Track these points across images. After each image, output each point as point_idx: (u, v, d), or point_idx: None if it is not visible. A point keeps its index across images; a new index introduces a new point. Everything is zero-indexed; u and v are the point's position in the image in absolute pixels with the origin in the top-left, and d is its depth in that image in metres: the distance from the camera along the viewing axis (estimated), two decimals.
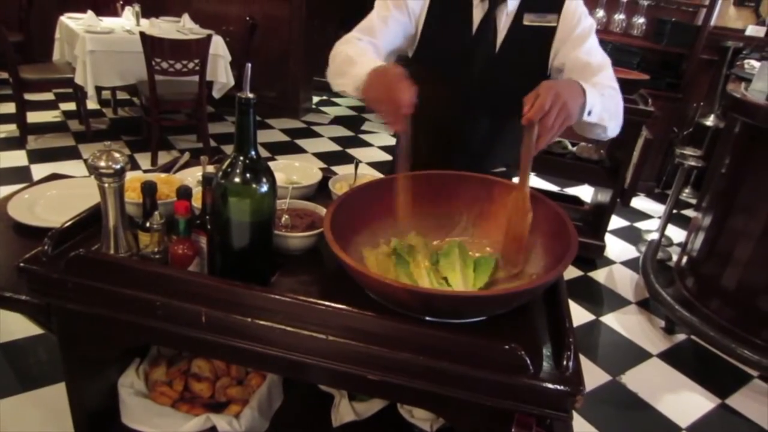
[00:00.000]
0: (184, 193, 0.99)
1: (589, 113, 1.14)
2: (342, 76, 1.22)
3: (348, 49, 1.26)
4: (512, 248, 1.08)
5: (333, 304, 0.90)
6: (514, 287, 0.93)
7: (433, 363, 0.86)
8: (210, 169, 1.35)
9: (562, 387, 0.85)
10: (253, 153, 0.93)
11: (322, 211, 1.18)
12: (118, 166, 0.94)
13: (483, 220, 1.18)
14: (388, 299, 0.94)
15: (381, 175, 1.42)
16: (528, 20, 1.32)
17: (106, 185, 0.95)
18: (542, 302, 1.07)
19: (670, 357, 2.42)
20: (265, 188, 0.94)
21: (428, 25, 1.35)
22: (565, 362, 0.88)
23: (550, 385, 0.85)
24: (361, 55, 1.22)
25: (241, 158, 0.92)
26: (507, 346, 0.84)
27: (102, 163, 0.93)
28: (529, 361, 0.85)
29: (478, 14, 1.34)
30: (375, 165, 4.13)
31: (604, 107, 1.18)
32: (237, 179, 0.92)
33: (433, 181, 1.20)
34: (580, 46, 1.30)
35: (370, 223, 1.14)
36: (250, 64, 0.92)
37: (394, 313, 0.92)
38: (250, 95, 0.89)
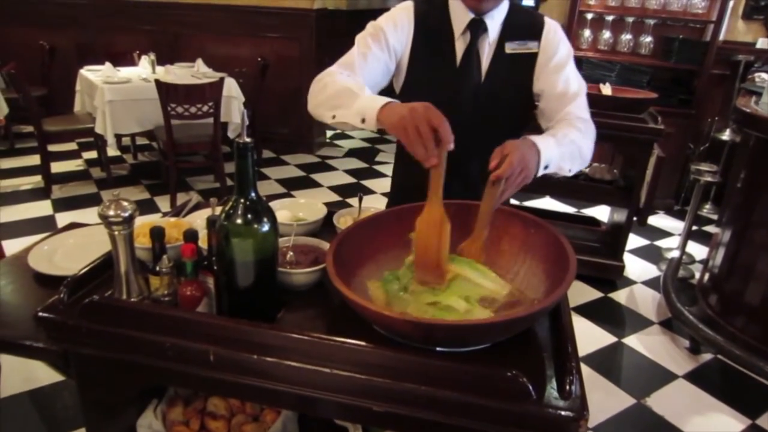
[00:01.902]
0: (191, 236, 1.03)
1: (546, 167, 1.21)
2: (339, 107, 1.22)
3: (338, 80, 1.27)
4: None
5: (335, 338, 0.91)
6: (514, 313, 0.94)
7: (436, 392, 0.87)
8: (218, 210, 1.40)
9: (565, 413, 0.84)
10: (253, 194, 0.96)
11: (326, 246, 1.21)
12: (126, 214, 0.99)
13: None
14: (391, 331, 0.95)
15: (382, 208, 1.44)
16: (510, 48, 1.37)
17: (116, 233, 0.99)
18: (545, 326, 1.07)
19: (696, 378, 2.37)
20: (266, 227, 0.97)
21: (413, 61, 1.39)
22: (568, 387, 0.88)
23: (553, 411, 0.85)
24: (360, 88, 1.23)
25: (242, 200, 0.96)
26: (509, 374, 0.85)
27: (111, 212, 0.98)
28: (531, 388, 0.85)
29: (460, 46, 1.38)
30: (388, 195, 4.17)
31: (562, 157, 1.24)
32: (239, 220, 0.95)
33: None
34: (558, 73, 1.36)
35: (374, 255, 1.17)
36: (245, 111, 0.96)
37: (397, 343, 0.94)
38: (248, 140, 0.94)
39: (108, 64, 4.12)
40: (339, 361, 0.91)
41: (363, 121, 1.15)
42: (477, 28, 1.35)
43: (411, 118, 1.02)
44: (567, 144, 1.26)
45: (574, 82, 1.38)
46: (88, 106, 4.07)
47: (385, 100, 1.14)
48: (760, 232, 2.35)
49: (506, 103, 1.41)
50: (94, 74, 4.02)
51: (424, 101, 1.42)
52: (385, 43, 1.36)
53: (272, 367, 0.93)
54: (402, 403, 0.90)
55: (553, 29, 1.38)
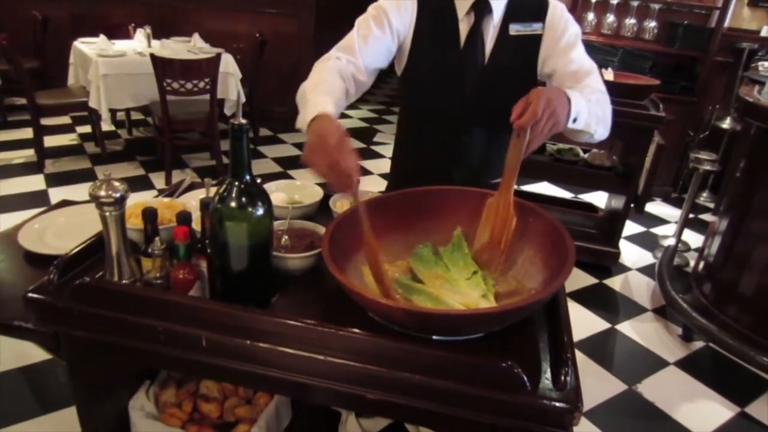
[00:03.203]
0: (184, 219, 1.01)
1: (575, 120, 1.16)
2: (301, 107, 1.15)
3: (314, 74, 1.23)
4: (490, 254, 1.08)
5: (329, 325, 0.90)
6: (509, 304, 0.93)
7: (431, 382, 0.87)
8: (213, 190, 1.38)
9: (560, 404, 0.84)
10: (247, 177, 0.94)
11: (322, 230, 1.19)
12: (117, 195, 0.97)
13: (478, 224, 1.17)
14: (386, 318, 0.94)
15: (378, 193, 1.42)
16: (514, 30, 1.34)
17: (107, 214, 0.97)
18: (542, 315, 1.07)
19: (687, 365, 2.38)
20: (260, 211, 0.95)
21: (416, 43, 1.36)
22: (563, 378, 0.87)
23: (548, 403, 0.84)
24: (314, 89, 1.17)
25: (236, 183, 0.93)
26: (504, 364, 0.84)
27: (102, 192, 0.96)
28: (526, 379, 0.84)
29: (464, 27, 1.35)
30: (387, 176, 4.15)
31: (590, 113, 1.20)
32: (233, 204, 0.93)
33: (432, 197, 1.21)
34: (569, 53, 1.33)
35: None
36: (241, 90, 0.93)
37: (392, 331, 0.93)
38: (243, 121, 0.91)
39: (102, 37, 4.04)
40: (333, 348, 0.90)
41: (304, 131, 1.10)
42: (482, 9, 1.32)
43: (313, 152, 1.00)
44: (594, 104, 1.22)
45: (585, 61, 1.34)
46: (82, 80, 4.00)
47: (314, 113, 1.07)
48: (757, 222, 2.34)
49: (510, 86, 1.38)
50: (88, 47, 3.94)
51: (427, 84, 1.40)
52: (388, 25, 1.33)
53: (265, 352, 0.92)
54: (396, 392, 0.89)
55: (558, 10, 1.35)
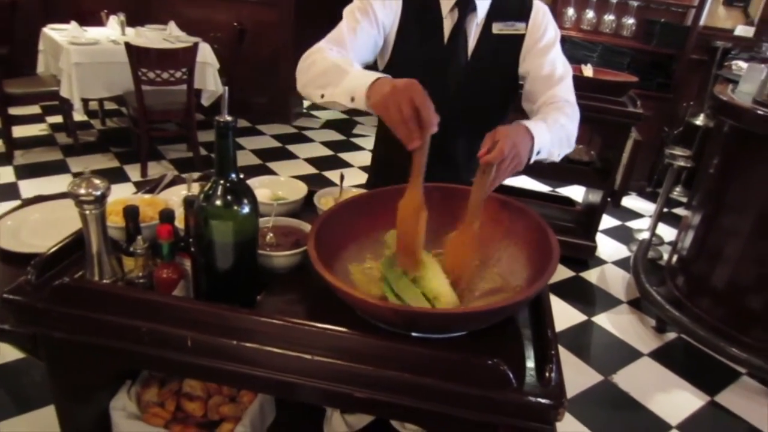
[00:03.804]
0: (167, 217, 0.99)
1: (538, 153, 1.19)
2: (328, 85, 1.16)
3: (328, 57, 1.21)
4: (460, 285, 1.06)
5: (316, 324, 0.90)
6: (495, 303, 0.94)
7: (418, 380, 0.87)
8: (195, 186, 1.36)
9: (544, 400, 0.85)
10: (233, 175, 0.93)
11: (307, 227, 1.18)
12: (98, 193, 0.94)
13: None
14: (372, 316, 0.94)
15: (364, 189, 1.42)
16: (497, 29, 1.35)
17: (87, 212, 0.95)
18: (527, 312, 1.08)
19: (660, 356, 2.45)
20: (246, 209, 0.94)
21: (400, 38, 1.35)
22: (547, 375, 0.89)
23: (532, 399, 0.85)
24: (349, 63, 1.18)
25: (222, 181, 0.92)
26: (489, 362, 0.85)
27: (82, 191, 0.93)
28: (511, 375, 0.86)
29: (448, 24, 1.35)
30: (366, 168, 4.14)
31: (553, 142, 1.22)
32: (218, 202, 0.92)
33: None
34: (545, 56, 1.35)
35: (356, 238, 1.15)
36: (227, 88, 0.92)
37: (378, 329, 0.93)
38: (229, 118, 0.90)
39: (74, 24, 3.92)
40: (320, 348, 0.90)
41: (352, 99, 1.09)
42: (465, 6, 1.32)
43: (393, 96, 0.96)
44: (557, 129, 1.25)
45: (560, 65, 1.37)
46: (52, 68, 3.88)
47: (375, 76, 1.07)
48: (728, 217, 2.41)
49: (491, 84, 1.40)
50: (59, 34, 3.82)
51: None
52: (374, 18, 1.31)
53: (252, 352, 0.91)
54: (383, 390, 0.90)
55: (542, 11, 1.36)
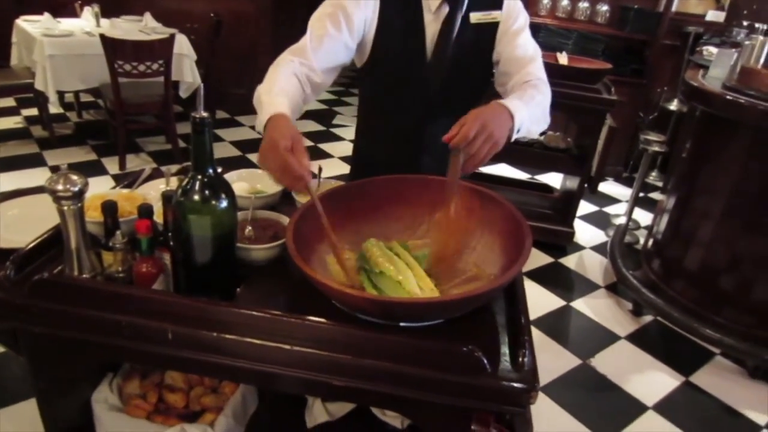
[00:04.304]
0: (145, 212, 1.00)
1: (518, 130, 1.21)
2: (258, 111, 1.16)
3: (268, 77, 1.22)
4: (442, 267, 1.11)
5: (295, 315, 0.92)
6: (470, 291, 0.97)
7: (395, 367, 0.90)
8: (173, 181, 1.36)
9: (518, 384, 0.89)
10: (210, 170, 0.94)
11: (286, 220, 1.20)
12: (76, 189, 0.95)
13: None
14: (350, 307, 0.97)
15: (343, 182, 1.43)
16: (475, 18, 1.36)
17: (65, 208, 0.95)
18: (501, 299, 1.11)
19: (637, 339, 2.51)
20: (224, 204, 0.96)
21: (380, 36, 1.35)
22: (521, 360, 0.92)
23: (506, 383, 0.89)
24: (268, 91, 1.17)
25: (199, 176, 0.93)
26: (465, 349, 0.88)
27: (60, 187, 0.94)
28: (486, 362, 0.88)
29: (429, 19, 1.35)
30: (347, 159, 4.14)
31: (532, 118, 1.25)
32: (196, 197, 0.93)
33: (393, 186, 1.23)
34: (516, 39, 1.38)
35: (334, 230, 1.16)
36: (203, 84, 0.93)
37: (357, 319, 0.95)
38: (205, 114, 0.91)
39: (47, 15, 3.85)
40: (300, 338, 0.92)
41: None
42: (456, 0, 1.32)
43: (262, 161, 1.03)
44: (534, 106, 1.27)
45: (531, 46, 1.40)
46: (26, 60, 3.81)
47: (269, 115, 1.08)
48: (702, 200, 2.47)
49: (470, 73, 1.41)
50: (32, 25, 3.75)
51: (391, 74, 1.40)
52: (345, 22, 1.29)
53: (232, 344, 0.93)
54: (362, 378, 0.92)
55: None
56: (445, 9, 1.33)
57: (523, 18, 1.40)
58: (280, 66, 1.25)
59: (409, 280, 1.00)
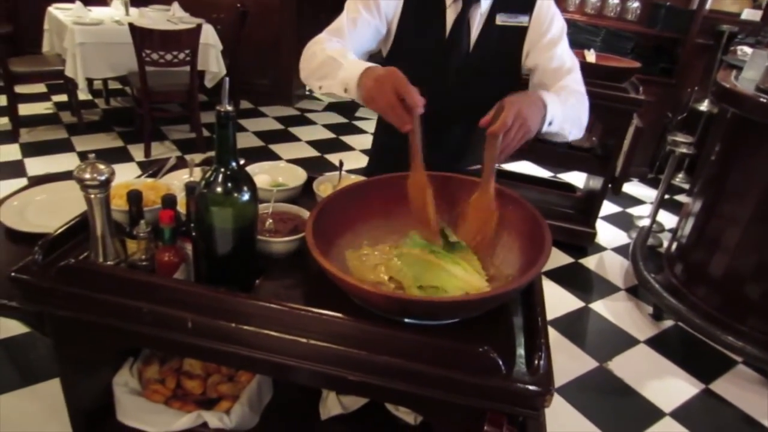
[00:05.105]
0: (169, 202, 1.02)
1: (550, 123, 1.20)
2: (325, 77, 1.22)
3: (326, 48, 1.25)
4: (475, 249, 1.12)
5: (312, 309, 0.93)
6: (487, 292, 0.96)
7: (410, 365, 0.90)
8: (197, 171, 1.38)
9: (532, 387, 0.88)
10: (233, 164, 0.95)
11: (306, 214, 1.21)
12: (103, 178, 0.97)
13: (462, 221, 1.20)
14: (367, 303, 0.97)
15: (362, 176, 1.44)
16: (500, 20, 1.35)
17: (92, 196, 0.98)
18: (518, 300, 1.10)
19: (656, 343, 2.47)
20: (246, 197, 0.97)
21: (402, 26, 1.37)
22: (536, 362, 0.91)
23: (521, 386, 0.88)
24: (343, 55, 1.22)
25: (222, 169, 0.94)
26: (480, 349, 0.88)
27: (87, 175, 0.96)
28: (501, 363, 0.88)
29: (451, 14, 1.35)
30: (368, 152, 4.14)
31: (565, 117, 1.24)
32: (218, 189, 0.94)
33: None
34: (552, 49, 1.35)
35: (353, 225, 1.17)
36: (228, 78, 0.93)
37: (373, 315, 0.96)
38: (230, 108, 0.91)
39: (78, 3, 3.92)
40: (316, 332, 0.93)
41: (346, 91, 1.16)
42: None
43: (376, 87, 1.07)
44: (569, 107, 1.26)
45: (568, 59, 1.38)
46: (57, 47, 3.89)
47: (364, 67, 1.13)
48: (729, 205, 2.41)
49: (491, 75, 1.40)
50: (63, 13, 3.83)
51: (410, 68, 1.40)
52: (375, 7, 1.33)
53: (250, 335, 0.95)
54: (377, 374, 0.93)
55: (546, 4, 1.36)
56: (459, 4, 1.34)
57: (557, 27, 1.37)
58: (324, 44, 1.27)
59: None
